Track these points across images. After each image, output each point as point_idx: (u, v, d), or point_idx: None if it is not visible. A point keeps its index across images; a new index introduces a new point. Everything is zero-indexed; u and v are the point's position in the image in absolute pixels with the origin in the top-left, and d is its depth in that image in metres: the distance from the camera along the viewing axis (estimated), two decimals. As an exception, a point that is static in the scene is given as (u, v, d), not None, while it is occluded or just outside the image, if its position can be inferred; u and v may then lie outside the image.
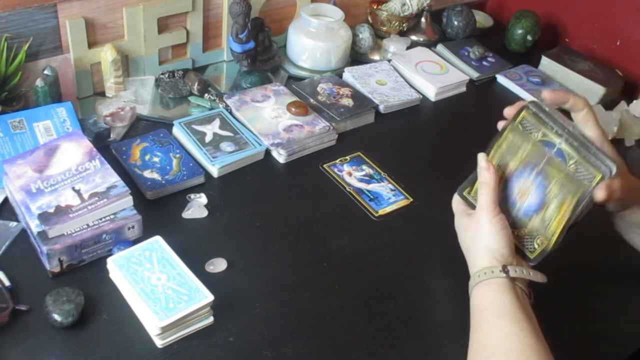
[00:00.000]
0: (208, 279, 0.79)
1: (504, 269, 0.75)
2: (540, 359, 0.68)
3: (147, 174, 0.96)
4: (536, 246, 0.78)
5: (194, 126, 1.05)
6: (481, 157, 0.81)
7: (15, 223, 0.85)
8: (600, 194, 0.72)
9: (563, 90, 0.79)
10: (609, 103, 1.29)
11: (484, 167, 0.80)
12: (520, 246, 0.79)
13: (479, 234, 0.78)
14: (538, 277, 0.77)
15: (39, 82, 1.00)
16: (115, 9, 1.07)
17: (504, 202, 0.80)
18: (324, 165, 1.06)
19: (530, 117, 0.78)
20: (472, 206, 0.82)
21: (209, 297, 0.76)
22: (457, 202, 0.86)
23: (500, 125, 0.83)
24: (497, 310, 0.73)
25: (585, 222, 0.77)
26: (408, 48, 1.40)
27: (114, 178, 0.84)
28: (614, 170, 0.71)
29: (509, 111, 0.82)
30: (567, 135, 0.75)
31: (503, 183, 0.80)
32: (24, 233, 0.84)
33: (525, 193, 0.78)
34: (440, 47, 1.43)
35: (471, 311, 0.76)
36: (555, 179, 0.76)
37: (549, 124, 0.76)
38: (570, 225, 0.75)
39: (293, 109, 1.11)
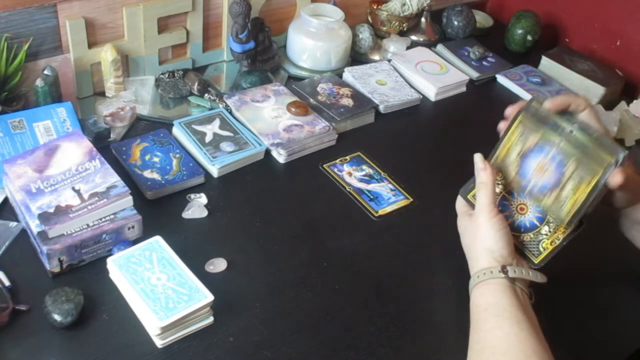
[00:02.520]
0: (208, 279, 0.79)
1: (503, 270, 0.75)
2: (540, 359, 0.68)
3: (147, 174, 0.96)
4: (541, 249, 0.78)
5: (194, 126, 1.05)
6: (478, 157, 0.81)
7: (15, 223, 0.85)
8: (616, 178, 0.72)
9: (562, 95, 0.80)
10: (609, 103, 1.29)
11: (481, 168, 0.80)
12: (524, 250, 0.79)
13: (478, 235, 0.78)
14: (537, 277, 0.77)
15: (39, 82, 1.00)
16: (115, 9, 1.07)
17: (519, 176, 0.80)
18: (324, 165, 1.06)
19: (539, 107, 0.79)
20: (474, 207, 0.83)
21: (209, 297, 0.76)
22: (460, 202, 0.87)
23: (501, 126, 0.83)
24: (496, 311, 0.73)
25: (585, 222, 0.77)
26: (408, 48, 1.40)
27: (114, 178, 0.84)
28: (624, 154, 0.72)
29: (509, 111, 0.82)
30: (577, 124, 0.75)
31: (520, 158, 0.80)
32: (24, 233, 0.84)
33: (542, 169, 0.77)
34: (440, 47, 1.43)
35: (471, 311, 0.76)
36: (574, 158, 0.75)
37: (558, 117, 0.77)
38: (585, 210, 0.75)
39: (293, 109, 1.11)
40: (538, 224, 0.78)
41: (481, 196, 0.79)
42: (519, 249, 0.79)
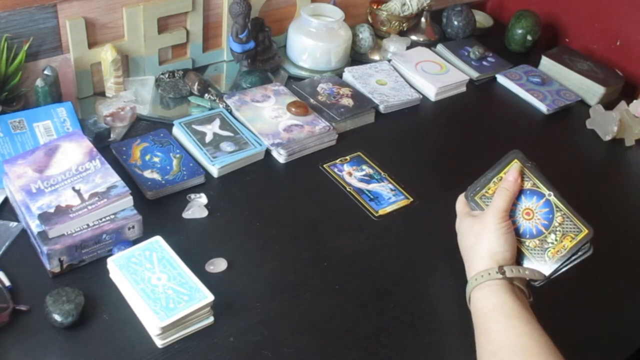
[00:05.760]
0: (208, 279, 0.79)
1: (500, 270, 0.75)
2: (555, 357, 0.68)
3: (147, 174, 0.96)
4: (547, 259, 0.78)
5: (194, 126, 1.05)
6: (515, 168, 0.81)
7: (15, 223, 0.85)
8: None
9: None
10: (609, 103, 1.29)
11: (514, 178, 0.81)
12: (530, 257, 0.79)
13: (483, 236, 0.78)
14: (535, 275, 0.77)
15: (39, 82, 1.00)
16: (115, 9, 1.08)
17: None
18: (324, 165, 1.06)
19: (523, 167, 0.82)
20: (480, 209, 0.83)
21: (209, 297, 0.76)
22: (461, 202, 0.86)
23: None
24: (504, 311, 0.72)
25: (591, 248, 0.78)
26: (408, 48, 1.40)
27: (114, 178, 0.84)
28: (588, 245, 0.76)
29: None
30: (554, 191, 0.78)
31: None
32: (24, 233, 0.84)
33: (530, 215, 0.79)
34: (440, 47, 1.43)
35: (474, 315, 0.76)
36: (561, 213, 0.77)
37: (540, 178, 0.80)
38: (564, 264, 0.77)
39: (293, 109, 1.11)
40: (544, 230, 0.78)
41: (499, 199, 0.79)
42: (525, 256, 0.79)
